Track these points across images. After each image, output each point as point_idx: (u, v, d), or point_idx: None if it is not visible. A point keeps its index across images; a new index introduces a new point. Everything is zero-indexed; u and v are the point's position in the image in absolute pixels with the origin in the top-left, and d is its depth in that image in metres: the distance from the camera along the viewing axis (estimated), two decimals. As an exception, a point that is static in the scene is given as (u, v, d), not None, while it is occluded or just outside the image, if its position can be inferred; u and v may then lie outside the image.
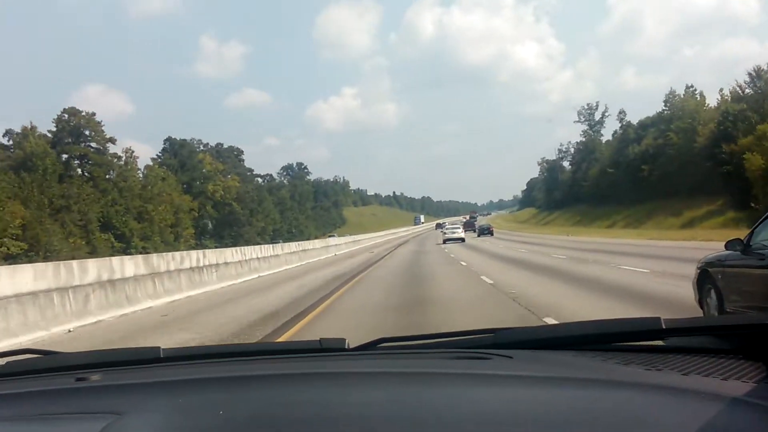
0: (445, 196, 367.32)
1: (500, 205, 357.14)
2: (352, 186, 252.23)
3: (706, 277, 7.17)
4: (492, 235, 61.27)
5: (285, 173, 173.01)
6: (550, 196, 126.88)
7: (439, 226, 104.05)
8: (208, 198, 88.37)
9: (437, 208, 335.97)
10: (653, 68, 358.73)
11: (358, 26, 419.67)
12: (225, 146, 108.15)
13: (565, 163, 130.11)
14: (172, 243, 74.56)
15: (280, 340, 8.18)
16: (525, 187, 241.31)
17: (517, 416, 1.04)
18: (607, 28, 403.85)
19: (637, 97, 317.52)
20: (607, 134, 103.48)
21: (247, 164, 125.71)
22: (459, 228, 54.00)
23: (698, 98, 60.79)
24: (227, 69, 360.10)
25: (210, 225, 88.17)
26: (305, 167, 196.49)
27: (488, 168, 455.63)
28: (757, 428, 0.96)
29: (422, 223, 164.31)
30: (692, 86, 63.53)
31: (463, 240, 48.81)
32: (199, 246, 71.51)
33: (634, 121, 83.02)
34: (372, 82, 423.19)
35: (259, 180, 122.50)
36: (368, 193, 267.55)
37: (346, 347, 1.67)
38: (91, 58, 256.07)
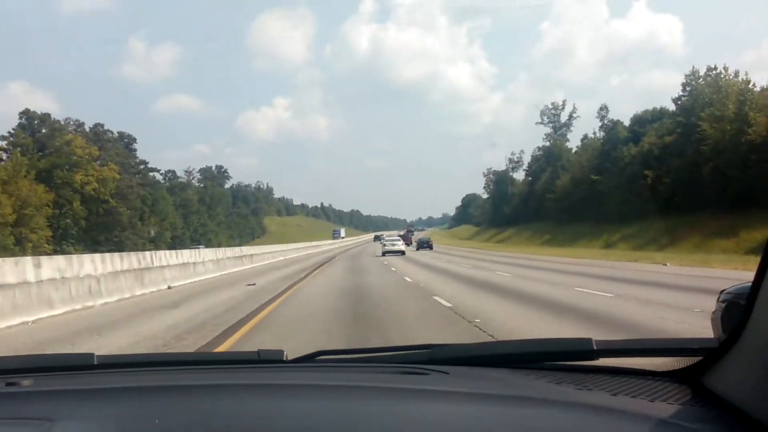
0: (374, 210, 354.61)
1: (429, 222, 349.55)
2: (277, 194, 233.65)
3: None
4: (431, 249, 57.56)
5: (202, 176, 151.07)
6: (498, 212, 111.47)
7: (377, 238, 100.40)
8: (75, 191, 66.84)
9: (366, 222, 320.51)
10: (581, 94, 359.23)
11: (292, 36, 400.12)
12: (106, 128, 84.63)
13: (518, 174, 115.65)
14: (11, 248, 53.50)
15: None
16: (459, 204, 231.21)
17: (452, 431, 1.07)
18: (538, 53, 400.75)
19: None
20: (574, 139, 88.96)
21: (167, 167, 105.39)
22: (399, 241, 50.16)
23: (743, 79, 44.74)
24: (157, 72, 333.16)
25: (74, 226, 66.48)
26: (225, 170, 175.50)
27: (418, 185, 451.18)
28: None
29: (342, 237, 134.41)
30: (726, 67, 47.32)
31: (403, 253, 45.12)
32: (58, 253, 50.68)
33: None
34: (305, 94, 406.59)
35: (157, 176, 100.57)
36: (294, 203, 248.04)
37: (285, 359, 1.67)
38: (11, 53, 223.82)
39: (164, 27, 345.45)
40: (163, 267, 17.20)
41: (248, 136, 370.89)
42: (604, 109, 72.58)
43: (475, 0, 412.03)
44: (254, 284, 17.90)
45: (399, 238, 56.07)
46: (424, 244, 59.95)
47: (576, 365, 1.52)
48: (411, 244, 67.43)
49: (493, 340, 3.57)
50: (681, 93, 52.60)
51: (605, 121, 71.27)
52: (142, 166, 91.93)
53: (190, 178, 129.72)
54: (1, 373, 1.58)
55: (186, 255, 19.85)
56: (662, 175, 50.69)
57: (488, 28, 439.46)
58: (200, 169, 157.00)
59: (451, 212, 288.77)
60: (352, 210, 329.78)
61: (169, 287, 17.01)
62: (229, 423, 1.11)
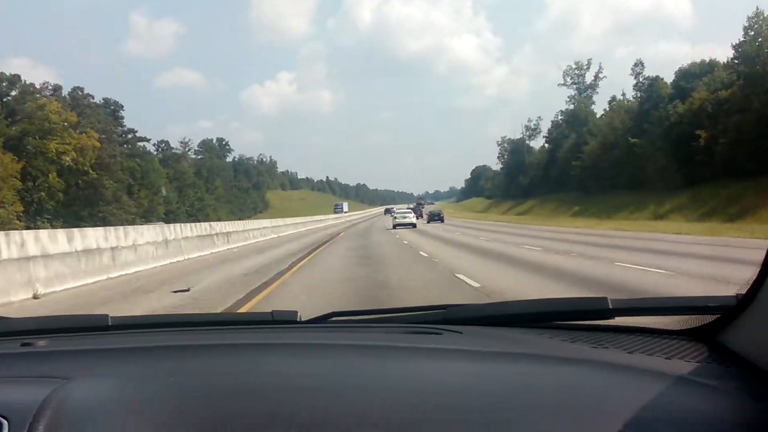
0: (381, 185, 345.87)
1: (436, 196, 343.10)
2: (281, 168, 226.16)
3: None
4: (442, 221, 56.63)
5: (201, 148, 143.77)
6: (514, 183, 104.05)
7: (388, 211, 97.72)
8: (51, 162, 59.94)
9: (373, 195, 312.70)
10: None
11: (295, 10, 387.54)
12: (87, 93, 74.72)
13: (535, 143, 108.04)
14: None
15: None
16: (468, 176, 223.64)
17: (464, 389, 1.06)
18: (543, 25, 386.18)
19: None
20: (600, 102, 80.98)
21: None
22: (410, 213, 48.74)
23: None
24: (158, 47, 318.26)
25: (50, 200, 59.68)
26: (226, 143, 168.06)
27: (424, 159, 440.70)
28: (699, 406, 0.99)
29: (345, 211, 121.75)
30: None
31: (414, 226, 44.04)
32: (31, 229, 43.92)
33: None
34: (308, 68, 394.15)
35: (149, 147, 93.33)
36: (299, 177, 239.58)
37: (298, 320, 1.68)
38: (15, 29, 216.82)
39: (165, 2, 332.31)
40: (28, 259, 9.92)
41: (253, 111, 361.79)
42: (639, 65, 64.52)
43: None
44: (188, 290, 10.37)
45: (410, 210, 54.31)
46: (435, 217, 58.23)
47: (591, 324, 1.49)
48: (422, 216, 66.36)
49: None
50: (742, 38, 44.94)
51: (640, 79, 63.34)
52: (130, 135, 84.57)
53: (186, 149, 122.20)
54: (16, 333, 1.59)
55: (93, 237, 12.36)
56: (718, 135, 43.44)
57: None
58: (200, 142, 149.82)
59: (459, 186, 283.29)
60: (358, 184, 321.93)
61: (35, 296, 9.76)
62: (243, 381, 1.11)
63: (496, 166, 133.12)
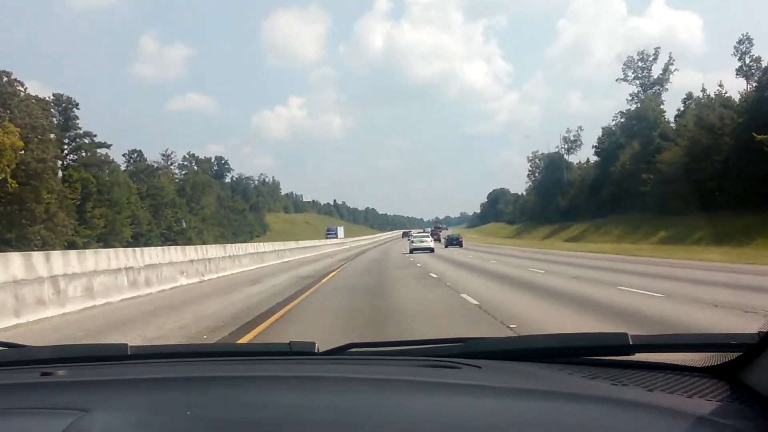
0: (390, 210, 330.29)
1: (447, 221, 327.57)
2: (286, 190, 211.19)
3: None
4: (461, 246, 53.17)
5: (189, 162, 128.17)
6: (551, 203, 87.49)
7: (406, 234, 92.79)
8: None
9: (382, 220, 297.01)
10: (598, 93, 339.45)
11: (305, 35, 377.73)
12: (15, 79, 55.94)
13: (573, 158, 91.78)
14: None
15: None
16: (485, 200, 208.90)
17: (484, 426, 1.05)
18: (554, 51, 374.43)
19: (583, 119, 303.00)
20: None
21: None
22: (427, 237, 45.76)
23: None
24: (170, 71, 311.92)
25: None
26: (225, 162, 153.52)
27: (434, 185, 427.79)
28: None
29: (340, 237, 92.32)
30: None
31: (432, 250, 40.52)
32: None
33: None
34: (319, 93, 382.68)
35: (117, 157, 77.36)
36: (304, 200, 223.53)
37: (316, 351, 1.65)
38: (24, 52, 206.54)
39: (175, 25, 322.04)
40: None
41: (263, 135, 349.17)
42: (744, 41, 48.36)
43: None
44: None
45: (427, 234, 51.83)
46: (454, 242, 55.70)
47: (611, 360, 1.48)
48: (439, 240, 64.80)
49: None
50: None
51: (747, 60, 47.03)
52: (86, 140, 68.73)
53: (169, 162, 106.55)
54: (35, 363, 1.58)
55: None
56: None
57: (505, 26, 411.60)
58: (197, 159, 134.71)
59: (470, 211, 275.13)
60: (367, 208, 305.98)
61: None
62: (260, 414, 1.11)
63: (518, 188, 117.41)
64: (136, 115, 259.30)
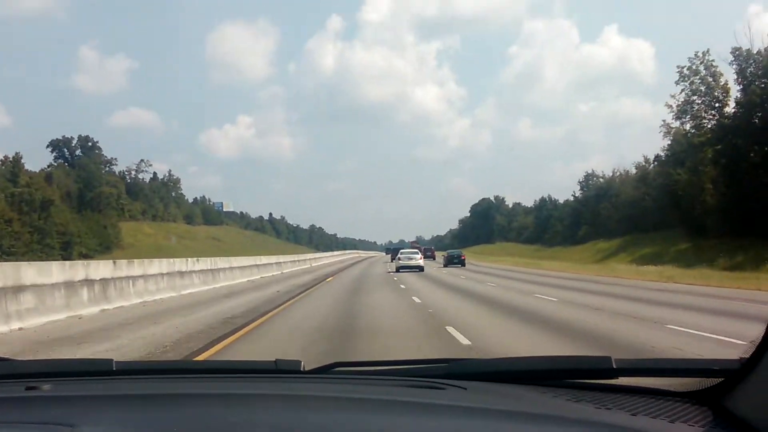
0: (341, 232, 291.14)
1: (401, 245, 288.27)
2: (195, 193, 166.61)
3: None
4: (463, 265, 46.79)
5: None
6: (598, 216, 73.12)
7: (389, 251, 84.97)
8: None
9: (330, 241, 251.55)
10: (548, 120, 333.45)
11: (252, 50, 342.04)
12: None
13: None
14: None
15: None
16: (466, 215, 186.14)
17: None
18: (506, 77, 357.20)
19: (531, 146, 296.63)
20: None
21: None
22: (416, 254, 40.07)
23: None
24: (110, 84, 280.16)
25: None
26: (95, 142, 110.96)
27: (385, 208, 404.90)
28: None
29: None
30: None
31: (421, 269, 36.55)
32: None
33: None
34: (267, 112, 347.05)
35: None
36: (226, 209, 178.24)
37: (302, 369, 1.66)
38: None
39: (116, 36, 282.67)
40: None
41: (211, 154, 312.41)
42: None
43: (443, 19, 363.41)
44: None
45: (416, 251, 44.01)
46: (455, 259, 49.15)
47: (595, 383, 1.49)
48: (433, 258, 64.65)
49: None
50: None
51: None
52: None
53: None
54: (21, 377, 1.58)
55: None
56: None
57: (457, 50, 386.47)
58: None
59: (428, 235, 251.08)
60: (312, 226, 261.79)
61: None
62: None
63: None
64: (75, 126, 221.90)
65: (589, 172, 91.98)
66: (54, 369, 1.71)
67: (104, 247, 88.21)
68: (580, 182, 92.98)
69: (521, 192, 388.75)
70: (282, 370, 1.65)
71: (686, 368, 1.51)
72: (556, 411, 1.26)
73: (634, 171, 72.18)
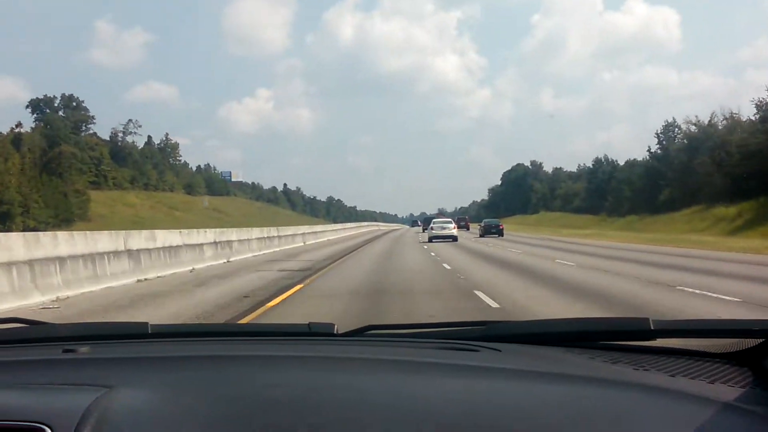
0: (360, 204, 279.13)
1: (422, 218, 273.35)
2: (196, 159, 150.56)
3: None
4: (501, 235, 45.04)
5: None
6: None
7: (414, 223, 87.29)
8: None
9: (349, 213, 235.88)
10: (571, 90, 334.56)
11: (269, 22, 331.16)
12: None
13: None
14: None
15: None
16: (487, 195, 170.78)
17: (503, 409, 1.05)
18: (528, 46, 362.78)
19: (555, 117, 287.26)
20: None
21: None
22: (450, 224, 39.41)
23: None
24: (128, 59, 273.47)
25: None
26: (81, 102, 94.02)
27: (406, 181, 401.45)
28: None
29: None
30: None
31: (455, 239, 35.54)
32: None
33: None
34: (286, 85, 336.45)
35: None
36: (234, 179, 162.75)
37: (335, 332, 1.66)
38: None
39: (133, 9, 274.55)
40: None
41: (231, 128, 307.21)
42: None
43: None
44: None
45: (450, 221, 42.86)
46: (492, 230, 47.27)
47: (633, 345, 1.48)
48: (467, 228, 63.70)
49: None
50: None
51: None
52: None
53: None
54: (58, 339, 1.60)
55: None
56: None
57: (478, 19, 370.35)
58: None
59: (450, 208, 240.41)
60: (331, 198, 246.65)
61: None
62: (279, 393, 1.11)
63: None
64: (92, 101, 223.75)
65: (670, 121, 72.32)
66: (90, 332, 1.72)
67: (61, 219, 71.80)
68: (657, 134, 73.45)
69: (555, 159, 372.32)
70: (315, 332, 1.66)
71: (725, 329, 1.47)
72: (593, 372, 1.24)
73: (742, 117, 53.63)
